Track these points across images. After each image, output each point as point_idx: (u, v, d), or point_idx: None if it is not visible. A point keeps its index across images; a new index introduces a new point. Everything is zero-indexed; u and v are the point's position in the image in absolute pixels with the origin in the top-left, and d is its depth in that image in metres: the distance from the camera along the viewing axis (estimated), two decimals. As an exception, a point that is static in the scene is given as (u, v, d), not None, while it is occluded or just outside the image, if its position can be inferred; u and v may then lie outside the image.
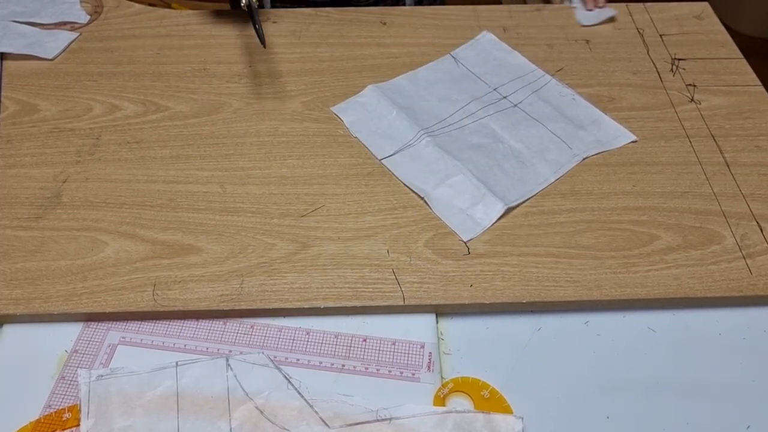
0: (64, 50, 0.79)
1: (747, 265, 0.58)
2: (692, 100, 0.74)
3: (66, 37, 0.81)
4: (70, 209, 0.62)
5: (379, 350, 0.54)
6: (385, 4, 0.90)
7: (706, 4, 0.89)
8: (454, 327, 0.56)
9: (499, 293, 0.56)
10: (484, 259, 0.58)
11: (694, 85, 0.76)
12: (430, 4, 0.95)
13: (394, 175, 0.65)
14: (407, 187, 0.64)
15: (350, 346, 0.54)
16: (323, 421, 0.49)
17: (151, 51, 0.80)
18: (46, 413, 0.49)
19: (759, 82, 0.77)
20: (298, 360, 0.53)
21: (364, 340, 0.54)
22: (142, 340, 0.54)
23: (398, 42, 0.82)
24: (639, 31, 0.84)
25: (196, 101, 0.73)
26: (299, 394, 0.50)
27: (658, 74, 0.78)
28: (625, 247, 0.59)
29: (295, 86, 0.75)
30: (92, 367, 0.52)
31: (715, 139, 0.70)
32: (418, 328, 0.55)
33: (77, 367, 0.52)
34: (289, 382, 0.51)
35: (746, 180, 0.65)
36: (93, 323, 0.55)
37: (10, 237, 0.59)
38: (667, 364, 0.53)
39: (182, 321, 0.55)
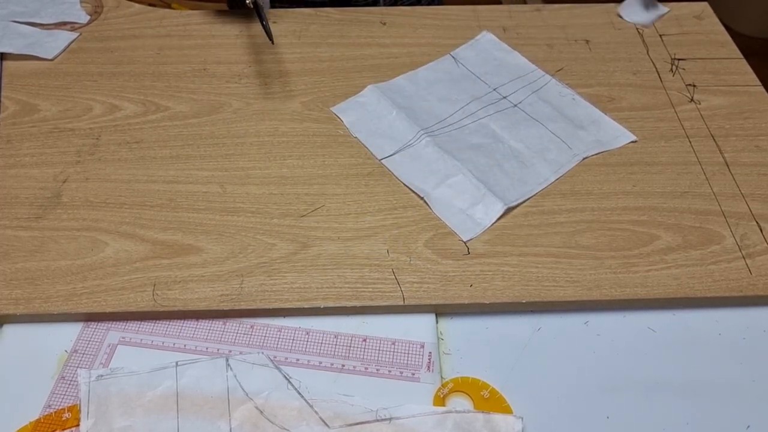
0: (64, 50, 0.79)
1: (747, 265, 0.58)
2: (692, 100, 0.74)
3: (66, 37, 0.81)
4: (70, 209, 0.62)
5: (379, 350, 0.54)
6: (385, 4, 0.90)
7: (706, 4, 0.89)
8: (454, 327, 0.56)
9: (499, 293, 0.56)
10: (484, 259, 0.58)
11: (694, 85, 0.76)
12: (429, 4, 0.95)
13: (394, 175, 0.65)
14: (407, 187, 0.64)
15: (350, 346, 0.54)
16: (323, 421, 0.49)
17: (151, 51, 0.80)
18: (46, 413, 0.49)
19: (759, 82, 0.77)
20: (298, 360, 0.53)
21: (364, 340, 0.54)
22: (142, 340, 0.54)
23: (398, 42, 0.82)
24: (639, 31, 0.84)
25: (196, 101, 0.73)
26: (299, 394, 0.50)
27: (658, 74, 0.78)
28: (625, 247, 0.59)
29: (295, 86, 0.75)
30: (92, 367, 0.52)
31: (714, 139, 0.70)
32: (418, 328, 0.55)
33: (77, 367, 0.52)
34: (289, 382, 0.51)
35: (746, 180, 0.66)
36: (93, 323, 0.55)
37: (10, 237, 0.59)
38: (667, 364, 0.53)
39: (182, 321, 0.55)
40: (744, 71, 0.78)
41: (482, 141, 0.69)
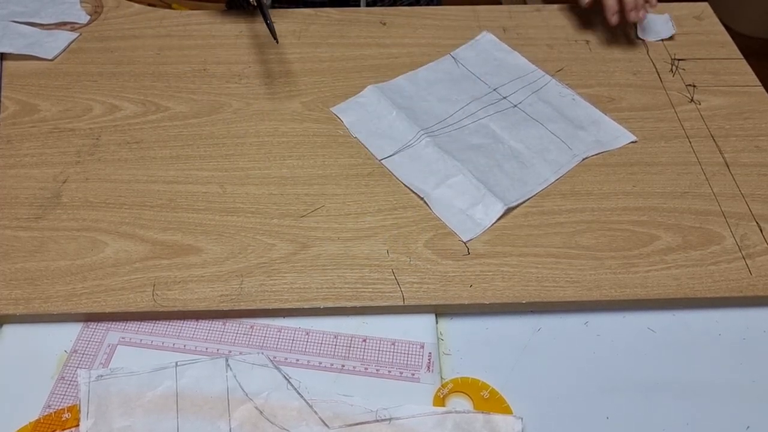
0: (64, 50, 0.79)
1: (747, 265, 0.58)
2: (692, 100, 0.74)
3: (66, 37, 0.81)
4: (70, 209, 0.62)
5: (379, 350, 0.54)
6: (383, 5, 0.90)
7: (706, 4, 0.89)
8: (454, 327, 0.56)
9: (499, 293, 0.56)
10: (484, 260, 0.58)
11: (694, 86, 0.76)
12: (428, 4, 0.95)
13: (394, 176, 0.65)
14: (407, 187, 0.64)
15: (350, 347, 0.54)
16: (323, 421, 0.49)
17: (151, 51, 0.80)
18: (46, 413, 0.49)
19: (759, 83, 0.77)
20: (297, 360, 0.53)
21: (364, 341, 0.54)
22: (141, 340, 0.54)
23: (398, 42, 0.82)
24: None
25: (196, 101, 0.73)
26: (299, 394, 0.50)
27: (658, 74, 0.78)
28: (625, 248, 0.59)
29: (295, 86, 0.75)
30: (92, 368, 0.52)
31: (714, 140, 0.70)
32: (418, 328, 0.55)
33: (77, 367, 0.52)
34: (289, 382, 0.51)
35: (746, 180, 0.65)
36: (92, 323, 0.55)
37: (10, 237, 0.59)
38: (667, 364, 0.53)
39: (182, 321, 0.55)
40: (744, 71, 0.78)
41: (482, 141, 0.69)
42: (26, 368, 0.52)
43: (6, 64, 0.77)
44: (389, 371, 0.53)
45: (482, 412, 0.49)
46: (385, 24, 0.84)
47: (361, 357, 0.53)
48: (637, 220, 0.62)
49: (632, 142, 0.69)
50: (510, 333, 0.55)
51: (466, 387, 0.52)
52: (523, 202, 0.63)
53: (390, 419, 0.49)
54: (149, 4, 0.88)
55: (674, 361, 0.53)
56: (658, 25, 0.83)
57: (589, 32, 0.84)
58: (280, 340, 0.54)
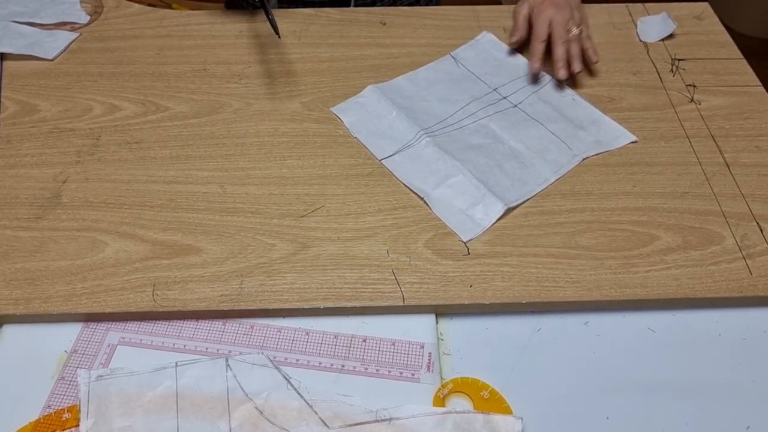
0: (64, 50, 0.79)
1: (747, 265, 0.58)
2: (692, 100, 0.74)
3: (66, 37, 0.81)
4: (70, 209, 0.62)
5: (379, 350, 0.54)
6: (383, 5, 0.90)
7: (706, 4, 0.89)
8: (454, 327, 0.56)
9: (499, 294, 0.56)
10: (484, 260, 0.58)
11: (694, 86, 0.76)
12: (428, 4, 0.95)
13: (394, 176, 0.65)
14: (407, 187, 0.64)
15: (350, 347, 0.54)
16: (323, 421, 0.49)
17: (151, 51, 0.80)
18: (46, 413, 0.49)
19: (759, 83, 0.77)
20: (297, 360, 0.53)
21: (364, 341, 0.54)
22: (141, 340, 0.54)
23: (398, 42, 0.82)
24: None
25: (196, 101, 0.73)
26: (299, 394, 0.50)
27: (658, 74, 0.78)
28: (625, 248, 0.59)
29: (295, 86, 0.75)
30: (92, 368, 0.52)
31: (715, 140, 0.70)
32: (418, 328, 0.55)
33: (77, 367, 0.52)
34: (289, 382, 0.51)
35: (746, 180, 0.65)
36: (92, 323, 0.55)
37: (10, 237, 0.59)
38: (667, 365, 0.53)
39: (182, 321, 0.55)
40: (744, 71, 0.78)
41: (482, 141, 0.69)
42: (26, 368, 0.52)
43: (6, 64, 0.77)
44: (389, 371, 0.53)
45: (482, 413, 0.49)
46: (385, 24, 0.84)
47: (361, 357, 0.53)
48: (637, 220, 0.62)
49: (632, 142, 0.69)
50: (510, 333, 0.55)
51: (466, 387, 0.52)
52: (523, 202, 0.63)
53: (390, 419, 0.49)
54: (149, 4, 0.88)
55: (674, 361, 0.53)
56: (657, 25, 0.83)
57: (590, 32, 0.84)
58: (280, 340, 0.54)
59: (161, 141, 0.69)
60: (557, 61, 0.73)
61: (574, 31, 0.74)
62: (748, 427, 0.50)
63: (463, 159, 0.66)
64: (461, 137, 0.69)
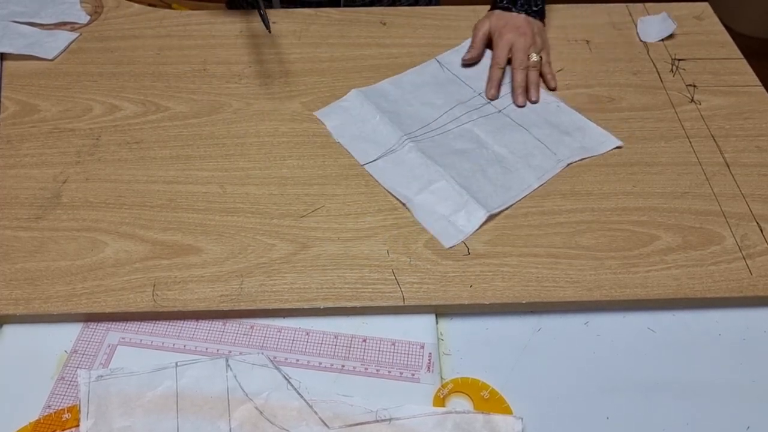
0: (64, 50, 0.79)
1: (747, 265, 0.58)
2: (692, 100, 0.74)
3: (66, 37, 0.81)
4: (70, 209, 0.62)
5: (379, 351, 0.54)
6: (381, 4, 0.90)
7: (706, 4, 0.89)
8: (454, 327, 0.56)
9: (499, 294, 0.56)
10: (484, 260, 0.58)
11: (694, 86, 0.76)
12: (428, 4, 0.94)
13: (377, 181, 0.65)
14: (389, 192, 0.64)
15: (350, 347, 0.54)
16: (323, 421, 0.49)
17: (151, 51, 0.80)
18: (46, 414, 0.49)
19: (759, 82, 0.77)
20: (297, 360, 0.53)
21: (364, 341, 0.54)
22: (141, 340, 0.54)
23: (398, 42, 0.82)
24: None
25: (196, 101, 0.73)
26: (299, 394, 0.50)
27: (658, 74, 0.78)
28: (625, 248, 0.59)
29: (295, 86, 0.75)
30: (92, 368, 0.52)
31: (715, 140, 0.70)
32: (418, 328, 0.55)
33: (77, 367, 0.52)
34: (289, 382, 0.51)
35: (746, 180, 0.65)
36: (93, 323, 0.55)
37: (10, 237, 0.59)
38: (667, 365, 0.53)
39: (182, 321, 0.55)
40: (744, 71, 0.78)
41: (466, 146, 0.68)
42: (26, 368, 0.52)
43: (6, 64, 0.77)
44: (389, 371, 0.53)
45: (482, 413, 0.49)
46: (385, 24, 0.84)
47: (361, 357, 0.53)
48: (637, 220, 0.62)
49: (618, 147, 0.68)
50: (510, 333, 0.55)
51: (466, 387, 0.52)
52: (506, 208, 0.62)
53: (390, 419, 0.49)
54: (149, 4, 0.88)
55: (674, 361, 0.53)
56: (657, 25, 0.83)
57: (589, 32, 0.84)
58: (280, 340, 0.54)
59: (161, 141, 0.69)
60: (515, 87, 0.74)
61: (534, 57, 0.75)
62: (748, 427, 0.50)
63: (446, 164, 0.66)
64: (445, 142, 0.69)
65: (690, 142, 0.69)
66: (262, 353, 0.53)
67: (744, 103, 0.74)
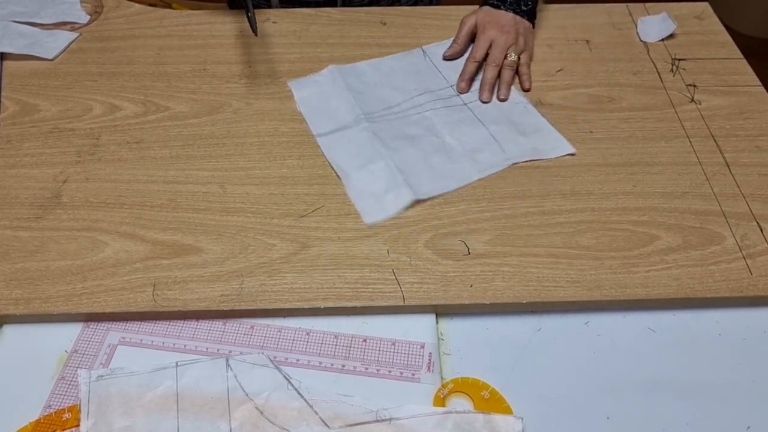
0: (64, 50, 0.79)
1: (747, 265, 0.58)
2: (692, 100, 0.74)
3: (66, 37, 0.81)
4: (70, 209, 0.62)
5: (379, 350, 0.54)
6: (381, 4, 0.90)
7: (706, 4, 0.89)
8: (454, 327, 0.56)
9: (499, 293, 0.56)
10: (484, 260, 0.58)
11: (695, 86, 0.76)
12: (428, 4, 0.94)
13: (323, 155, 0.66)
14: (331, 167, 0.65)
15: (350, 347, 0.54)
16: (323, 421, 0.49)
17: (151, 51, 0.80)
18: (46, 413, 0.49)
19: (759, 82, 0.77)
20: (298, 360, 0.53)
21: (364, 341, 0.54)
22: (142, 340, 0.54)
23: (398, 42, 0.82)
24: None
25: (196, 101, 0.73)
26: (299, 394, 0.50)
27: (658, 74, 0.78)
28: (625, 248, 0.59)
29: (295, 86, 0.75)
30: (92, 368, 0.52)
31: (715, 140, 0.70)
32: (418, 328, 0.55)
33: (77, 367, 0.52)
34: (289, 382, 0.51)
35: (746, 180, 0.65)
36: (93, 323, 0.55)
37: (10, 237, 0.59)
38: (667, 364, 0.53)
39: (182, 321, 0.55)
40: (744, 71, 0.78)
41: (418, 132, 0.69)
42: (26, 368, 0.52)
43: (6, 64, 0.77)
44: (389, 371, 0.53)
45: (482, 412, 0.49)
46: (385, 24, 0.84)
47: (362, 357, 0.53)
48: (638, 220, 0.62)
49: (570, 154, 0.68)
50: (510, 333, 0.55)
51: (467, 387, 0.52)
52: (437, 196, 0.63)
53: (390, 419, 0.49)
54: (149, 4, 0.88)
55: (674, 361, 0.53)
56: (657, 25, 0.83)
57: (589, 32, 0.84)
58: (281, 340, 0.54)
59: (161, 141, 0.69)
60: (483, 83, 0.74)
61: (512, 57, 0.75)
62: (748, 427, 0.50)
63: (393, 147, 0.67)
64: (399, 126, 0.70)
65: (690, 142, 0.69)
66: (263, 353, 0.53)
67: (744, 103, 0.74)
